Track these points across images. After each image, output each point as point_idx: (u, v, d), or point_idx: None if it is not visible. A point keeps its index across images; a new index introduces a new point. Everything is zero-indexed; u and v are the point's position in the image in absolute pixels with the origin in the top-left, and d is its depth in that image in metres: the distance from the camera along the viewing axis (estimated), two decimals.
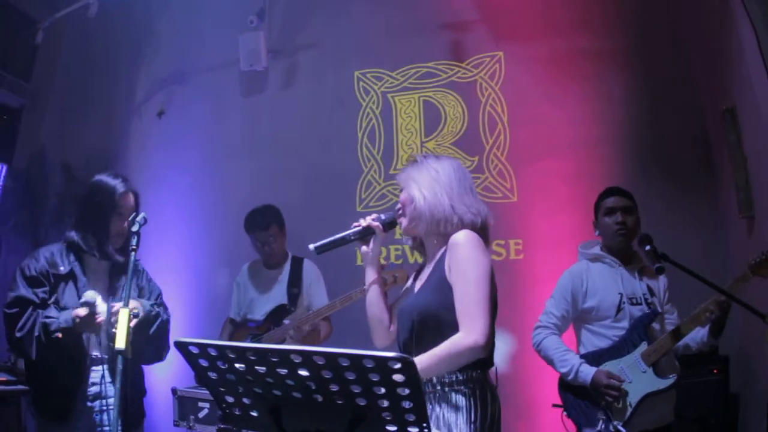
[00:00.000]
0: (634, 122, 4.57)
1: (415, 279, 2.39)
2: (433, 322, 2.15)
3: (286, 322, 4.00)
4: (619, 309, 3.11)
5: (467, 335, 2.03)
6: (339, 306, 3.87)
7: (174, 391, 3.84)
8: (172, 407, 3.82)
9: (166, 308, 3.13)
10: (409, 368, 1.52)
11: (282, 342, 3.88)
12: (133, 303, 2.72)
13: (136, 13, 5.49)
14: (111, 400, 2.81)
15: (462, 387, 2.10)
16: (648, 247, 2.82)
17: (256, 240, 4.20)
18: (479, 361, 2.10)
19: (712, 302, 2.91)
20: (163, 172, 5.56)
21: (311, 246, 2.31)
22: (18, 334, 2.71)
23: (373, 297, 2.41)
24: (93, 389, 2.85)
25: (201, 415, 3.67)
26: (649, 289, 3.16)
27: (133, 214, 2.84)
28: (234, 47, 5.28)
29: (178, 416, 3.78)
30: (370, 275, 2.42)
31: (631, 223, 3.17)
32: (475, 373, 2.12)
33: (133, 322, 2.71)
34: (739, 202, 3.89)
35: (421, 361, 2.05)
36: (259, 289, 4.25)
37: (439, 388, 2.11)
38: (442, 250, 2.24)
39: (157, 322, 2.97)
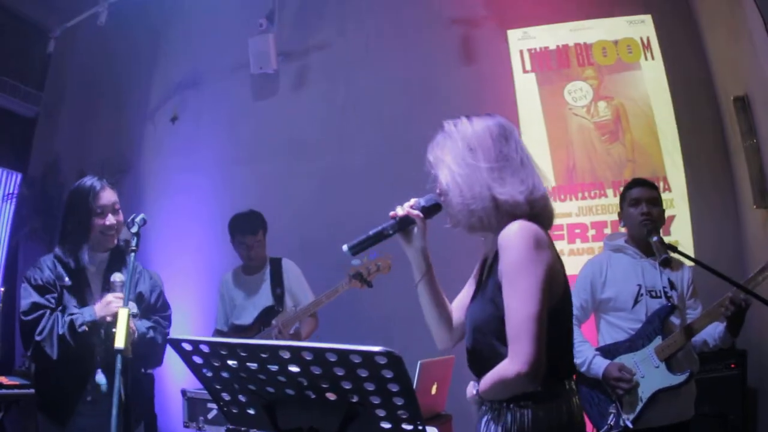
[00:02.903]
0: None
1: (481, 269, 2.02)
2: (485, 338, 1.85)
3: (274, 322, 4.02)
4: (636, 300, 3.05)
5: (511, 363, 1.71)
6: (326, 301, 3.83)
7: (184, 392, 3.87)
8: (182, 408, 3.86)
9: (165, 328, 3.03)
10: (396, 364, 1.48)
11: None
12: (131, 305, 2.70)
13: (146, 20, 5.55)
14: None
15: (513, 405, 1.78)
16: (656, 238, 2.77)
17: (241, 244, 4.20)
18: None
19: (727, 298, 2.82)
20: (178, 177, 5.61)
21: (344, 247, 1.96)
22: (38, 338, 2.70)
23: (423, 293, 2.03)
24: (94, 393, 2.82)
25: (210, 416, 3.69)
26: (671, 282, 3.09)
27: (117, 207, 2.88)
28: (244, 51, 5.30)
29: (187, 417, 3.82)
30: (418, 271, 2.02)
31: (657, 214, 3.12)
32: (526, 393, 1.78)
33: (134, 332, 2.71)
34: (753, 194, 3.82)
35: (484, 381, 1.82)
36: (244, 296, 4.25)
37: (496, 404, 1.82)
38: (497, 246, 1.83)
39: (149, 345, 2.89)
